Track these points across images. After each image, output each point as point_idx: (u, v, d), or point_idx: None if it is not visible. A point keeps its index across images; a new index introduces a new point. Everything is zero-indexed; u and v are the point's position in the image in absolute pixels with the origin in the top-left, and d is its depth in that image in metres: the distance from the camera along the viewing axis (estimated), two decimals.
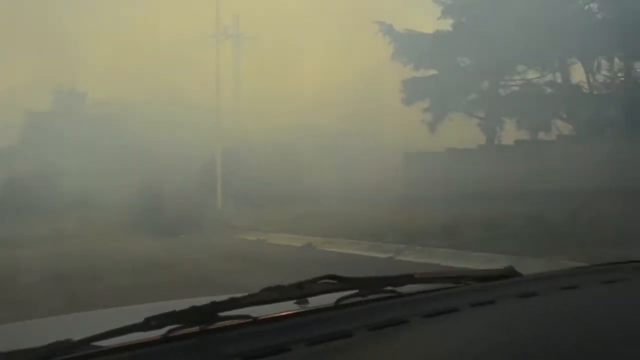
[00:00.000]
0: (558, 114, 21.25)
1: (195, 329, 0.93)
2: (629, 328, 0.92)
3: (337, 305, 1.11)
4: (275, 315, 1.03)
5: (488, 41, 20.98)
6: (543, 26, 19.58)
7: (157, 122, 19.43)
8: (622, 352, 0.84)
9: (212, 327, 0.94)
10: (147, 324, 0.90)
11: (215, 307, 0.94)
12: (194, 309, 0.92)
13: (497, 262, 7.47)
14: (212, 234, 13.78)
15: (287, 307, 1.07)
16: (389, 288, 1.20)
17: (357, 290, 1.14)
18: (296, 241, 11.86)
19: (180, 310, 0.92)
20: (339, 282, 1.11)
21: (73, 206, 15.79)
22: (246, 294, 1.00)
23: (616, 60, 20.52)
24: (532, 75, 22.31)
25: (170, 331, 0.92)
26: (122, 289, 7.15)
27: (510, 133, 22.31)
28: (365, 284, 1.17)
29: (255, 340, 0.93)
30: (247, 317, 0.98)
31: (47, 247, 12.09)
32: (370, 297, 1.15)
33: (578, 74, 21.40)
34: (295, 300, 1.08)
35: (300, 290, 1.05)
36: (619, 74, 20.55)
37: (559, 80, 21.71)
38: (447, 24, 22.78)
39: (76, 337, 0.91)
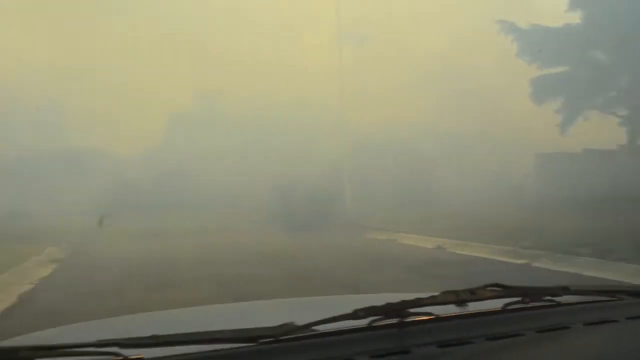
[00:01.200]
0: None
1: (393, 320, 1.14)
2: None
3: (504, 310, 1.29)
4: (454, 314, 1.22)
5: (623, 33, 19.70)
6: None
7: (290, 123, 20.26)
8: None
9: (404, 320, 1.15)
10: (355, 314, 1.11)
11: (405, 304, 1.16)
12: (390, 305, 1.14)
13: None
14: (342, 232, 14.16)
15: (460, 309, 1.25)
16: (548, 297, 1.35)
17: (520, 298, 1.31)
18: (427, 242, 11.91)
19: (381, 305, 1.14)
20: (505, 290, 1.29)
21: (214, 202, 16.90)
22: (429, 294, 1.21)
23: None
24: None
25: (372, 321, 1.14)
26: (259, 280, 7.65)
27: None
28: (528, 293, 1.33)
29: (440, 334, 1.13)
30: (431, 314, 1.20)
31: (193, 239, 13.09)
32: (532, 304, 1.31)
33: None
34: (467, 304, 1.25)
35: (472, 295, 1.23)
36: None
37: None
38: (576, 17, 21.68)
39: (298, 321, 1.11)
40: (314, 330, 1.08)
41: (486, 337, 1.14)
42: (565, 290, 1.37)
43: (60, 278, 8.82)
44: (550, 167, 21.25)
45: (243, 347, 1.03)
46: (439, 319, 1.20)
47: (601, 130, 20.94)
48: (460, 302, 1.25)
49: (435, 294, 1.22)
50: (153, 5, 22.32)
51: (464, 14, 24.42)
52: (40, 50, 20.94)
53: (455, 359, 0.99)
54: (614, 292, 1.45)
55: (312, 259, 9.77)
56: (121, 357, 0.97)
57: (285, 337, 1.05)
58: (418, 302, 1.17)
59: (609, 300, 1.40)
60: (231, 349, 1.02)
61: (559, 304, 1.35)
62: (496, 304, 1.30)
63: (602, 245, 9.83)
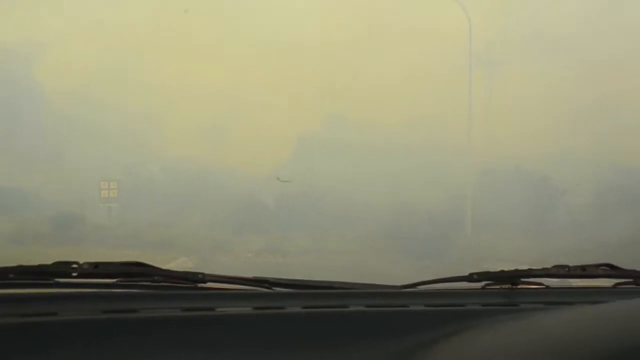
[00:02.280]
0: None
1: (506, 286, 1.22)
2: None
3: (614, 287, 1.19)
4: (562, 286, 1.29)
5: None
6: None
7: (412, 147, 20.20)
8: None
9: (515, 287, 1.24)
10: (471, 277, 1.19)
11: (518, 273, 1.25)
12: (503, 272, 1.23)
13: None
14: (460, 262, 13.84)
15: (572, 282, 1.31)
16: None
17: (632, 279, 1.31)
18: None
19: (494, 272, 1.25)
20: (616, 270, 1.31)
21: (335, 225, 17.22)
22: (541, 267, 1.31)
23: None
24: None
25: (486, 285, 1.22)
26: None
27: None
28: (639, 275, 1.30)
29: (547, 298, 1.13)
30: (541, 284, 1.20)
31: (311, 257, 13.43)
32: None
33: None
34: (576, 279, 1.32)
35: (582, 271, 1.29)
36: None
37: None
38: None
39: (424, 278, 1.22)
40: (433, 285, 1.18)
41: (590, 305, 1.21)
42: None
43: None
44: None
45: (375, 291, 1.21)
46: (548, 288, 1.28)
47: None
48: (570, 276, 1.31)
49: (548, 267, 1.32)
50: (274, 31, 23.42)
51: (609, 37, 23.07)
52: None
53: (558, 320, 1.04)
54: None
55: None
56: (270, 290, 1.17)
57: (409, 289, 1.19)
58: (530, 272, 1.25)
59: None
60: (356, 291, 1.22)
61: None
62: (606, 282, 1.19)
63: None
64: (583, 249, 14.49)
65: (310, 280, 1.26)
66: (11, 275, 1.15)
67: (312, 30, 23.73)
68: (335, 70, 23.49)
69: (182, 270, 1.20)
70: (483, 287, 1.26)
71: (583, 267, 1.32)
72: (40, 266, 1.23)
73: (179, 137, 22.06)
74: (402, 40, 25.17)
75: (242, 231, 16.24)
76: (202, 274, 1.19)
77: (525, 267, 1.29)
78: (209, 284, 1.18)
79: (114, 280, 1.14)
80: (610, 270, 1.34)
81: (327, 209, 18.23)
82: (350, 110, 24.18)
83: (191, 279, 1.18)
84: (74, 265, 1.13)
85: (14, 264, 1.13)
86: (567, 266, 1.32)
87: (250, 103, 22.08)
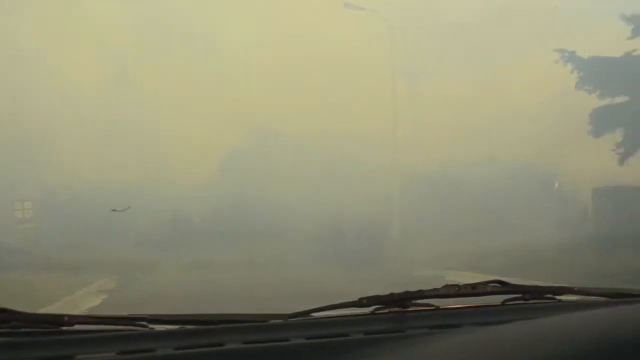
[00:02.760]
0: None
1: (395, 309, 1.24)
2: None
3: (503, 305, 1.36)
4: (452, 306, 1.33)
5: None
6: None
7: (342, 158, 20.42)
8: None
9: (405, 310, 1.25)
10: (360, 302, 1.24)
11: (408, 295, 1.26)
12: (393, 295, 1.25)
13: None
14: (389, 268, 13.99)
15: (462, 302, 1.35)
16: (549, 296, 1.40)
17: (521, 295, 1.37)
18: (474, 279, 11.63)
19: (384, 295, 1.26)
20: (505, 286, 1.36)
21: (264, 236, 17.10)
22: (432, 288, 1.30)
23: None
24: None
25: (376, 309, 1.25)
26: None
27: None
28: (529, 290, 1.39)
29: (436, 320, 1.23)
30: (432, 305, 1.30)
31: (239, 271, 13.23)
32: (533, 301, 1.37)
33: None
34: (468, 297, 1.33)
35: (473, 290, 1.31)
36: None
37: None
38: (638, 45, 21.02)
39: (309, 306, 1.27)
40: (317, 315, 1.23)
41: (475, 324, 1.20)
42: (569, 290, 1.48)
43: (110, 307, 9.05)
44: (607, 202, 20.44)
45: (257, 324, 1.19)
46: (438, 309, 1.29)
47: None
48: (461, 296, 1.34)
49: (438, 287, 1.30)
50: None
51: (520, 43, 24.20)
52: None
53: (446, 344, 1.02)
54: (613, 295, 1.49)
55: (352, 294, 9.64)
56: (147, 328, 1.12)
57: (296, 318, 1.21)
58: (420, 294, 1.28)
59: (607, 301, 1.43)
60: (236, 326, 1.16)
61: (559, 302, 1.40)
62: (496, 299, 1.37)
63: None
64: (505, 249, 15.04)
65: (191, 315, 1.18)
66: None
67: (236, 42, 23.67)
68: (259, 86, 23.49)
69: (47, 312, 1.11)
70: (372, 312, 1.20)
71: (473, 286, 1.30)
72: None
73: (99, 154, 21.37)
74: (325, 50, 25.49)
75: (167, 248, 15.80)
76: (68, 315, 1.08)
77: (416, 289, 1.26)
78: (76, 327, 1.06)
79: None
80: (500, 286, 1.35)
81: (253, 223, 18.08)
82: (277, 123, 24.21)
83: (55, 321, 1.06)
84: None
85: None
86: (458, 285, 1.32)
87: (173, 120, 21.72)
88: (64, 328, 1.09)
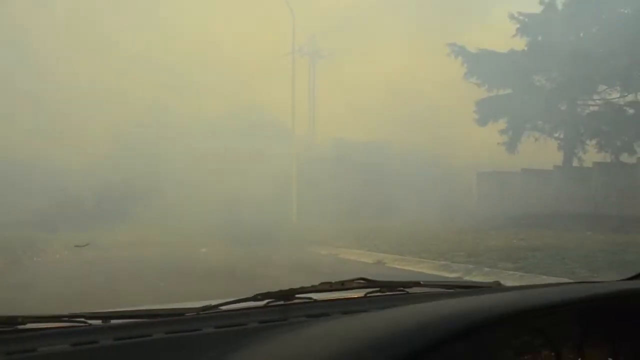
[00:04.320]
0: (639, 136, 20.62)
1: (281, 302, 1.57)
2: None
3: (365, 297, 1.73)
4: (326, 299, 1.68)
5: (566, 60, 20.69)
6: (624, 45, 19.14)
7: (236, 135, 20.39)
8: None
9: (289, 302, 1.57)
10: (256, 297, 1.55)
11: (292, 291, 1.59)
12: (281, 292, 1.58)
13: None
14: (285, 246, 14.32)
15: (334, 295, 1.72)
16: (400, 288, 1.78)
17: (378, 289, 1.75)
18: (367, 257, 12.20)
19: (274, 291, 1.59)
20: (368, 282, 1.75)
21: (160, 215, 16.85)
22: (311, 285, 1.62)
23: None
24: (612, 95, 21.82)
25: (268, 302, 1.56)
26: (195, 289, 7.76)
27: (588, 155, 21.88)
28: (385, 285, 1.78)
29: (314, 310, 1.54)
30: (310, 299, 1.62)
31: (131, 252, 13.03)
32: (387, 293, 1.76)
33: None
34: (340, 291, 1.70)
35: (342, 285, 1.68)
36: None
37: None
38: (522, 43, 22.65)
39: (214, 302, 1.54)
40: (223, 307, 1.51)
41: (343, 313, 1.54)
42: (416, 284, 1.82)
43: None
44: (490, 186, 21.98)
45: (175, 317, 1.44)
46: (316, 302, 1.62)
47: (540, 152, 21.81)
48: (332, 290, 1.67)
49: (316, 284, 1.65)
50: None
51: (415, 36, 25.16)
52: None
53: (320, 329, 1.33)
54: (455, 287, 1.85)
55: (245, 273, 9.88)
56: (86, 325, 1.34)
57: (203, 312, 1.47)
58: (302, 290, 1.60)
59: (449, 292, 1.80)
60: (160, 319, 1.42)
61: (408, 294, 1.77)
62: (360, 293, 1.73)
63: (528, 260, 10.37)
64: (396, 228, 15.82)
65: (122, 311, 1.45)
66: None
67: (131, 26, 22.91)
68: (155, 64, 22.94)
69: (4, 314, 1.29)
70: (265, 305, 1.57)
71: (342, 282, 1.69)
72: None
73: None
74: (228, 30, 25.24)
75: (59, 229, 15.22)
76: (22, 316, 1.28)
77: (299, 285, 1.66)
78: (28, 325, 1.26)
79: None
80: (364, 282, 1.76)
81: (150, 203, 17.78)
82: (174, 101, 23.77)
83: (11, 322, 1.25)
84: None
85: None
86: (330, 282, 1.68)
87: (70, 100, 20.80)
88: (19, 327, 1.28)
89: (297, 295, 1.58)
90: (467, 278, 9.79)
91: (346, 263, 11.85)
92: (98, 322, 1.35)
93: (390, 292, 1.76)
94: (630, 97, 21.32)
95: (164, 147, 20.33)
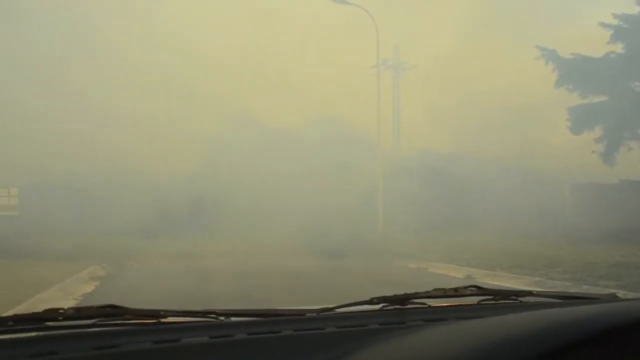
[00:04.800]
0: None
1: (397, 307, 1.60)
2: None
3: (478, 304, 1.75)
4: (440, 305, 1.71)
5: None
6: None
7: (322, 150, 20.63)
8: None
9: (404, 307, 1.61)
10: (372, 301, 1.61)
11: (407, 296, 1.64)
12: (395, 296, 1.62)
13: None
14: (374, 260, 14.27)
15: (447, 301, 1.74)
16: (513, 297, 1.80)
17: (492, 297, 1.76)
18: (457, 272, 11.98)
19: (389, 295, 1.62)
20: (480, 290, 1.77)
21: (249, 226, 17.32)
22: (425, 290, 1.67)
23: None
24: None
25: (383, 306, 1.60)
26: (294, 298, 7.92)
27: None
28: (498, 293, 1.79)
29: (429, 315, 1.58)
30: (424, 304, 1.66)
31: (226, 261, 13.45)
32: (500, 301, 1.76)
33: None
34: (453, 298, 1.72)
35: (455, 292, 1.71)
36: None
37: None
38: (618, 47, 21.57)
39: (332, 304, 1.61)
40: (341, 310, 1.59)
41: (461, 321, 1.54)
42: (529, 293, 1.83)
43: (101, 295, 9.27)
44: (585, 198, 20.99)
45: (299, 317, 1.54)
46: (430, 307, 1.66)
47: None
48: (446, 297, 1.70)
49: (429, 290, 1.69)
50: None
51: (504, 40, 24.54)
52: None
53: (436, 333, 1.37)
54: (565, 297, 1.84)
55: (339, 284, 9.97)
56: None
57: (323, 313, 1.55)
58: (416, 295, 1.64)
59: (556, 303, 1.78)
60: (285, 318, 1.52)
61: (521, 302, 1.77)
62: (472, 300, 1.75)
63: (632, 278, 9.82)
64: (487, 242, 15.43)
65: (248, 310, 1.56)
66: (10, 323, 1.35)
67: (220, 37, 23.78)
68: (245, 75, 23.63)
69: (146, 308, 1.46)
70: (381, 309, 1.62)
71: (455, 289, 1.71)
72: (33, 313, 1.43)
73: (84, 144, 21.39)
74: (313, 43, 25.66)
75: (157, 237, 15.99)
76: (164, 310, 1.46)
77: (413, 291, 1.71)
78: (169, 319, 1.44)
79: (94, 320, 1.36)
80: (477, 290, 1.78)
81: (241, 213, 18.29)
82: (261, 113, 24.37)
83: (155, 315, 1.43)
84: (61, 310, 1.36)
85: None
86: (444, 289, 1.70)
87: (163, 107, 21.85)
88: (162, 320, 1.44)
89: (412, 300, 1.62)
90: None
91: (436, 277, 11.71)
92: (229, 319, 1.46)
93: (503, 300, 1.77)
94: None
95: (255, 159, 20.89)
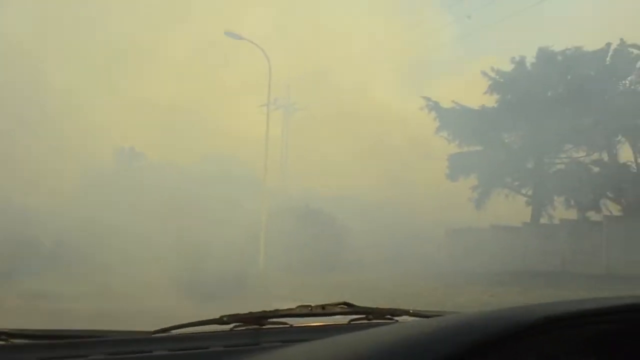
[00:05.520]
0: (605, 193, 20.86)
1: (253, 327, 1.38)
2: None
3: (348, 324, 1.53)
4: (304, 324, 1.51)
5: (533, 118, 21.06)
6: (590, 105, 19.59)
7: (208, 186, 20.05)
8: None
9: (261, 327, 1.40)
10: (221, 320, 1.36)
11: (265, 314, 1.40)
12: (251, 314, 1.39)
13: None
14: (251, 302, 13.83)
15: (312, 320, 1.53)
16: (388, 317, 1.60)
17: (364, 315, 1.57)
18: None
19: (243, 314, 1.39)
20: (351, 307, 1.56)
21: (113, 263, 16.23)
22: (286, 308, 1.46)
23: None
24: (578, 153, 22.17)
25: (235, 326, 1.38)
26: None
27: (556, 211, 22.02)
28: (371, 312, 1.59)
29: (289, 336, 1.36)
30: (286, 323, 1.44)
31: (84, 303, 12.36)
32: (374, 321, 1.56)
33: (626, 153, 21.13)
34: (320, 317, 1.52)
35: (322, 310, 1.49)
36: None
37: (606, 158, 21.44)
38: (492, 100, 22.99)
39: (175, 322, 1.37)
40: (183, 330, 1.33)
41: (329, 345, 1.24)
42: (406, 312, 1.67)
43: None
44: (460, 241, 21.91)
45: (129, 338, 1.29)
46: (292, 327, 1.43)
47: (509, 208, 21.92)
48: (311, 315, 1.49)
49: (293, 307, 1.46)
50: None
51: (391, 90, 25.52)
52: None
53: (294, 351, 1.14)
54: (440, 314, 1.63)
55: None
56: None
57: (156, 334, 1.30)
58: (276, 313, 1.41)
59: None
60: (118, 339, 1.27)
61: (397, 322, 1.57)
62: (343, 319, 1.54)
63: None
64: (366, 281, 15.48)
65: (54, 330, 1.28)
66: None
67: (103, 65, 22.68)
68: (130, 107, 22.72)
69: None
70: (232, 329, 1.39)
71: (323, 306, 1.50)
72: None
73: None
74: (200, 75, 25.28)
75: (11, 277, 14.49)
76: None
77: (273, 309, 1.46)
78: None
79: None
80: (347, 308, 1.56)
81: (109, 252, 17.14)
82: (144, 146, 23.51)
83: None
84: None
85: None
86: (310, 305, 1.48)
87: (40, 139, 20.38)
88: None
89: (271, 320, 1.41)
90: None
91: None
92: (23, 341, 1.22)
93: (377, 319, 1.59)
94: (595, 156, 21.70)
95: (128, 192, 19.88)
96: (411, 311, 1.69)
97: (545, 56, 21.85)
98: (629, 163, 20.86)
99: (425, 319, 1.55)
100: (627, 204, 20.11)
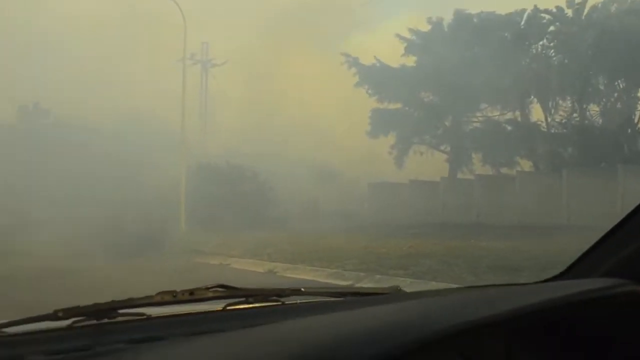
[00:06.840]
0: (518, 151, 21.91)
1: (94, 321, 1.09)
2: None
3: (224, 310, 1.27)
4: (167, 314, 1.21)
5: (450, 78, 21.62)
6: (504, 67, 20.33)
7: (123, 144, 19.35)
8: None
9: (112, 321, 1.11)
10: (55, 315, 1.06)
11: (114, 305, 1.12)
12: (96, 305, 1.09)
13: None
14: (174, 258, 13.61)
15: (179, 309, 1.24)
16: (274, 298, 1.35)
17: (244, 299, 1.30)
18: (259, 266, 11.88)
19: (85, 306, 1.09)
20: (228, 291, 1.28)
21: (29, 225, 15.51)
22: (144, 295, 1.17)
23: (571, 101, 21.43)
24: (493, 113, 23.08)
25: (74, 322, 1.08)
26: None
27: (473, 167, 22.95)
28: (253, 293, 1.33)
29: (147, 332, 1.10)
30: (142, 314, 1.15)
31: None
32: (256, 304, 1.31)
33: (537, 113, 22.20)
34: (185, 304, 1.24)
35: (191, 296, 1.22)
36: (574, 114, 21.42)
37: (519, 118, 22.46)
38: (411, 60, 23.39)
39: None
40: (12, 328, 1.03)
41: (186, 334, 1.09)
42: (296, 292, 1.39)
43: None
44: (380, 196, 22.46)
45: None
46: (149, 319, 1.15)
47: (429, 164, 22.61)
48: (178, 303, 1.21)
49: (152, 294, 1.17)
50: None
51: (309, 45, 25.30)
52: None
53: (144, 357, 0.92)
54: (345, 294, 1.47)
55: (130, 286, 9.19)
56: None
57: None
58: (130, 302, 1.13)
59: (336, 300, 1.42)
60: None
61: (284, 305, 1.33)
62: (218, 305, 1.27)
63: (418, 267, 10.50)
64: (287, 241, 15.59)
65: None
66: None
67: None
68: (28, 63, 21.41)
69: None
70: (69, 326, 1.08)
71: (191, 291, 1.22)
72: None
73: None
74: (114, 29, 24.08)
75: None
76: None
77: (126, 297, 1.16)
78: None
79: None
80: (223, 291, 1.27)
81: (26, 210, 16.34)
82: (57, 104, 22.27)
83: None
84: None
85: None
86: (175, 291, 1.20)
87: None
88: None
89: (121, 311, 1.12)
90: (359, 285, 9.73)
91: (237, 272, 11.46)
92: None
93: (261, 303, 1.33)
94: (509, 115, 22.67)
95: (32, 151, 18.87)
96: (303, 289, 1.43)
97: (462, 18, 22.36)
98: (540, 122, 21.95)
99: (318, 302, 1.42)
100: (539, 160, 21.25)
